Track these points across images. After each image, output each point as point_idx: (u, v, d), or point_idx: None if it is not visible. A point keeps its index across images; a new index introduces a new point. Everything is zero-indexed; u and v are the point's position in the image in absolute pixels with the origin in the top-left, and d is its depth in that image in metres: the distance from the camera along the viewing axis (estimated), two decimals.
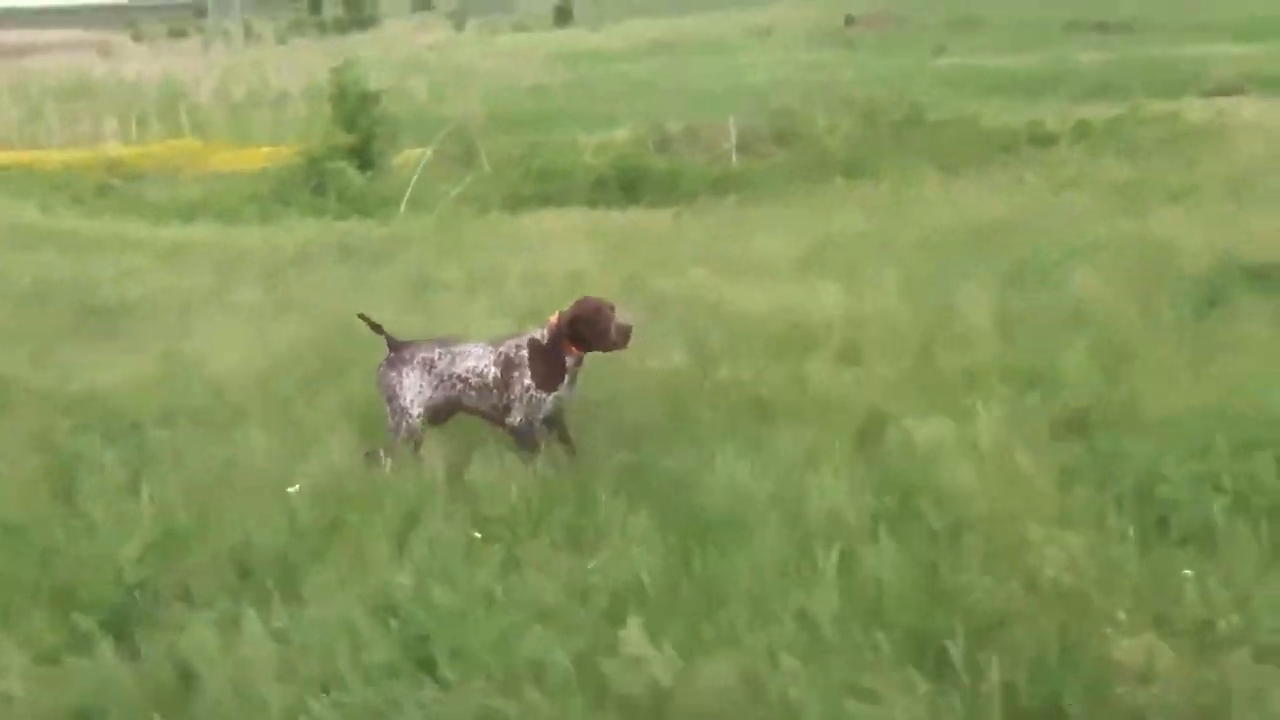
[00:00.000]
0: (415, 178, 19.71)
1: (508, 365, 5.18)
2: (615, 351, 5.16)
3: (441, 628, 3.46)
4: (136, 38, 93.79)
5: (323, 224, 15.79)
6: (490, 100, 41.47)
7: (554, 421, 5.27)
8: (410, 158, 26.86)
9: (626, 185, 20.50)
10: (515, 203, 19.16)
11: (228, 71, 53.79)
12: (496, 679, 3.20)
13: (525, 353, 5.17)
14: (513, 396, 5.14)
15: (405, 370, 5.28)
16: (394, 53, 64.69)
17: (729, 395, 5.63)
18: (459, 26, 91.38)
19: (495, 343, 5.32)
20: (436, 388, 5.26)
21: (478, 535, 4.26)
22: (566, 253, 10.12)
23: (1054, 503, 4.10)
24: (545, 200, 19.09)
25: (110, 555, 4.17)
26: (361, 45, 69.65)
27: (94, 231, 14.47)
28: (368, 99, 22.78)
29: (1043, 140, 18.34)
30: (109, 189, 19.96)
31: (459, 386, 5.24)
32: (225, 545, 4.23)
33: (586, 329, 5.05)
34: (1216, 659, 3.07)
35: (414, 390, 5.26)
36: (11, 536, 4.32)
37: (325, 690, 3.22)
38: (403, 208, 18.36)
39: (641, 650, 3.04)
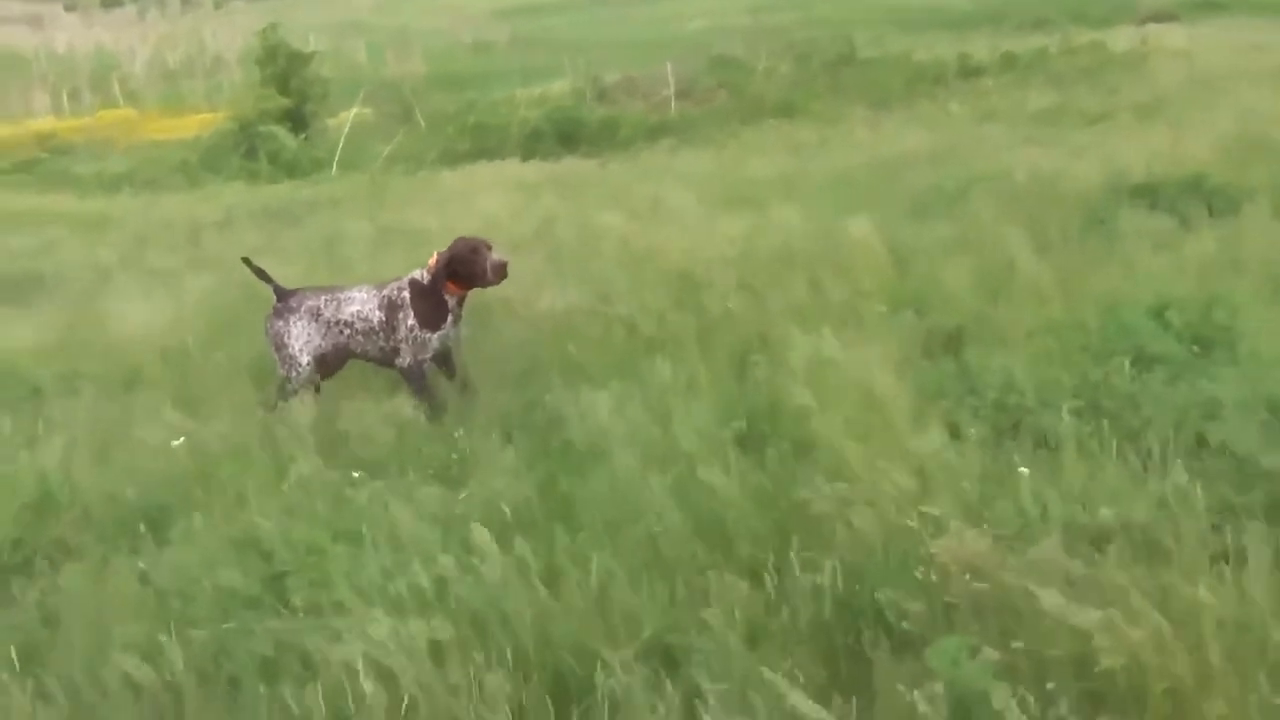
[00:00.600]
0: (343, 139, 19.56)
1: (391, 307, 5.28)
2: (493, 287, 5.28)
3: (301, 563, 3.56)
4: (69, 8, 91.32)
5: (251, 188, 15.69)
6: (431, 59, 41.01)
7: (445, 361, 5.39)
8: (347, 119, 26.58)
9: (563, 137, 20.46)
10: (451, 159, 19.12)
11: (162, 40, 52.74)
12: (350, 606, 3.30)
13: (407, 294, 5.27)
14: (399, 338, 5.26)
15: (292, 319, 5.38)
16: (334, 15, 63.63)
17: (619, 332, 5.74)
18: None
19: (379, 286, 5.40)
20: (325, 335, 5.35)
21: (356, 475, 4.35)
22: (484, 203, 10.16)
23: (905, 416, 4.24)
24: (480, 155, 19.04)
25: None
26: (300, 8, 68.50)
27: (15, 206, 14.27)
28: (297, 60, 22.48)
29: (971, 73, 18.44)
30: (35, 163, 19.63)
31: (346, 332, 5.34)
32: (101, 499, 4.30)
33: (463, 267, 5.17)
34: (1026, 550, 3.23)
35: (302, 339, 5.35)
36: None
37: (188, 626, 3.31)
38: (334, 169, 18.22)
39: (490, 551, 3.15)
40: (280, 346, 5.39)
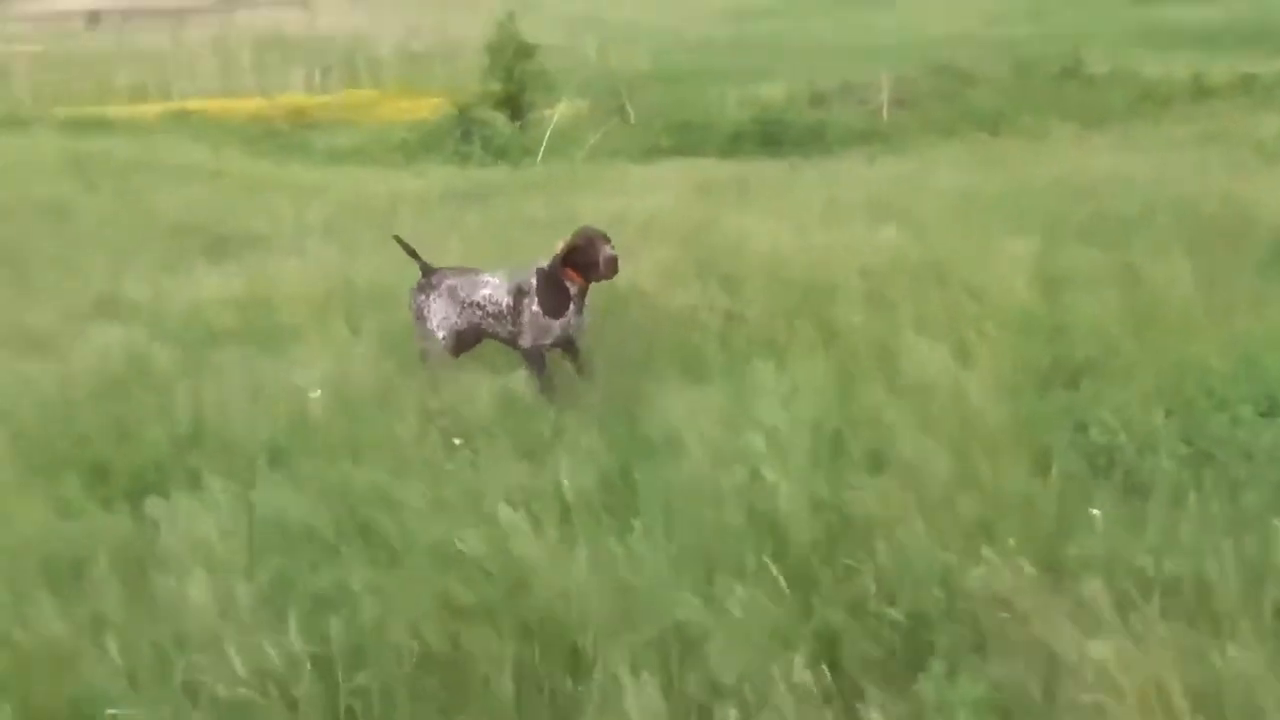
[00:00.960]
0: (550, 128, 20.26)
1: (518, 293, 5.54)
2: (604, 281, 5.44)
3: (382, 515, 3.86)
4: None
5: (459, 170, 16.52)
6: (654, 56, 41.75)
7: (570, 347, 5.57)
8: (567, 110, 27.49)
9: (766, 139, 20.48)
10: (652, 154, 19.47)
11: (411, 25, 55.83)
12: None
13: (534, 281, 5.50)
14: (523, 322, 5.50)
15: (433, 295, 5.73)
16: (573, 8, 65.76)
17: (739, 332, 5.81)
18: None
19: (510, 273, 5.66)
20: (460, 313, 5.67)
21: (457, 441, 4.63)
22: (658, 198, 10.38)
23: (997, 444, 4.14)
24: (681, 152, 19.30)
25: (144, 439, 4.78)
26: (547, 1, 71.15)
27: (249, 172, 15.62)
28: (523, 51, 23.44)
29: (1204, 94, 17.26)
30: (276, 134, 21.36)
31: (478, 313, 5.63)
32: (237, 436, 4.76)
33: (579, 257, 5.38)
34: (1071, 587, 3.14)
35: (439, 314, 5.69)
36: (64, 413, 4.97)
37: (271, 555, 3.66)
38: (540, 156, 18.91)
39: (514, 526, 3.33)
40: (420, 319, 5.76)
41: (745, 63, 38.61)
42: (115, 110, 27.99)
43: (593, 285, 5.48)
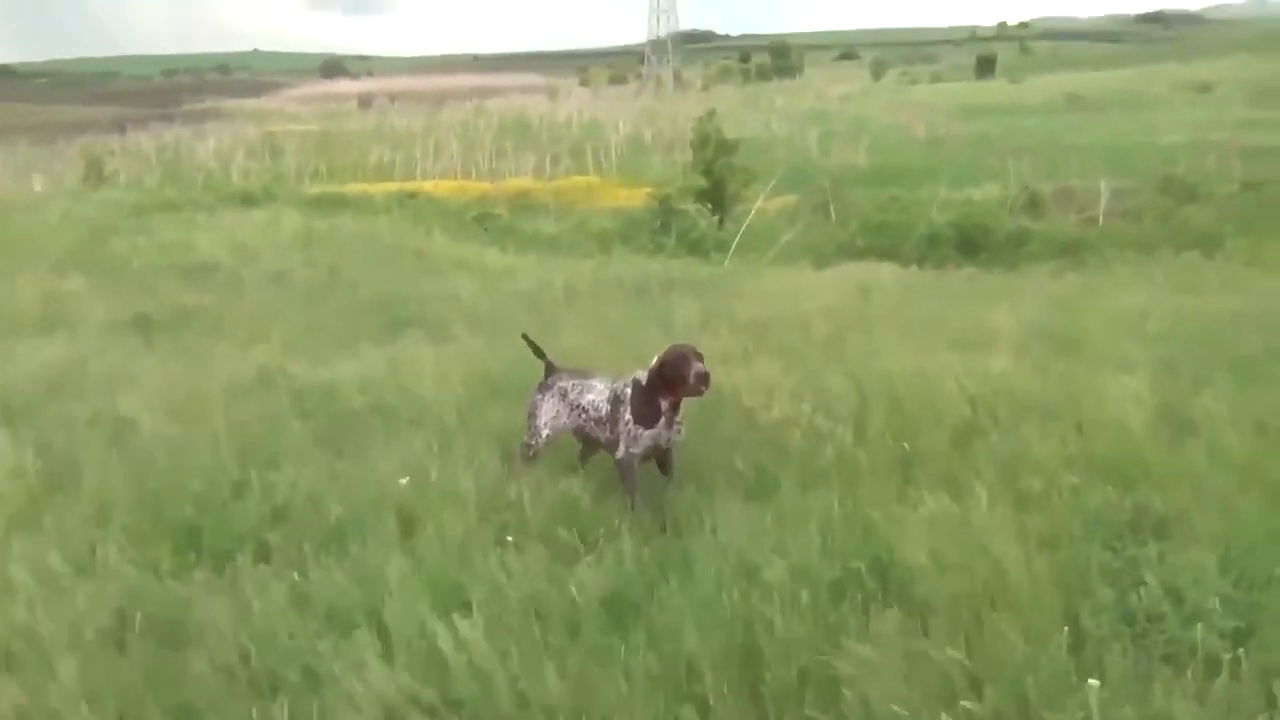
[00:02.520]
0: (745, 224, 20.56)
1: (616, 401, 5.68)
2: (696, 396, 5.47)
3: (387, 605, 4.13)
4: (583, 83, 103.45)
5: (647, 261, 17.03)
6: (877, 152, 41.78)
7: (663, 460, 5.64)
8: (775, 205, 27.89)
9: (964, 244, 19.97)
10: (846, 252, 19.41)
11: (644, 115, 58.23)
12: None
13: (629, 390, 5.66)
14: (619, 430, 5.63)
15: (547, 395, 5.96)
16: (803, 102, 66.83)
17: (822, 451, 5.80)
18: (877, 76, 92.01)
19: (614, 380, 5.87)
20: (569, 415, 5.89)
21: (510, 539, 4.88)
22: (810, 303, 10.44)
23: (1020, 598, 3.99)
24: (874, 254, 19.13)
25: (237, 510, 5.29)
26: (778, 93, 72.70)
27: (448, 253, 16.69)
28: (724, 147, 24.07)
29: None
30: (491, 217, 22.70)
31: (582, 416, 5.83)
32: (316, 517, 5.18)
33: (670, 371, 5.44)
34: None
35: (549, 414, 5.93)
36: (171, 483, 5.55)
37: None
38: (730, 252, 19.25)
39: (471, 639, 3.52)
40: (532, 416, 5.98)
41: (969, 160, 38.06)
42: (351, 189, 30.54)
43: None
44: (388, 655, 3.70)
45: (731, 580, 4.15)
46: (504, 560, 4.53)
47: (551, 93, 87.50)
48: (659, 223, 21.23)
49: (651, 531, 4.94)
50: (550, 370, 6.01)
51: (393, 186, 31.91)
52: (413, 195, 26.56)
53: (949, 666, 3.50)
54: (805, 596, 3.93)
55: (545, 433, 5.89)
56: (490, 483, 5.52)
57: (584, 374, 6.05)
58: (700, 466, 5.80)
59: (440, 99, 79.86)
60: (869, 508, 4.85)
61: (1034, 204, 25.96)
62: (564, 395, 5.87)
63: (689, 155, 29.48)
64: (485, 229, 21.44)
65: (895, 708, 3.26)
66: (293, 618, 4.05)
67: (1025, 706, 3.37)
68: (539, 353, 6.09)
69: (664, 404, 5.50)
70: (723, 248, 20.18)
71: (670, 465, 5.67)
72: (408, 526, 5.02)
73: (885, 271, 14.68)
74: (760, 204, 22.88)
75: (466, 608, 4.06)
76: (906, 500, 5.01)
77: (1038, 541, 4.38)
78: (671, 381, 5.45)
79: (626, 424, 5.55)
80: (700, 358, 5.50)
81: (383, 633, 3.88)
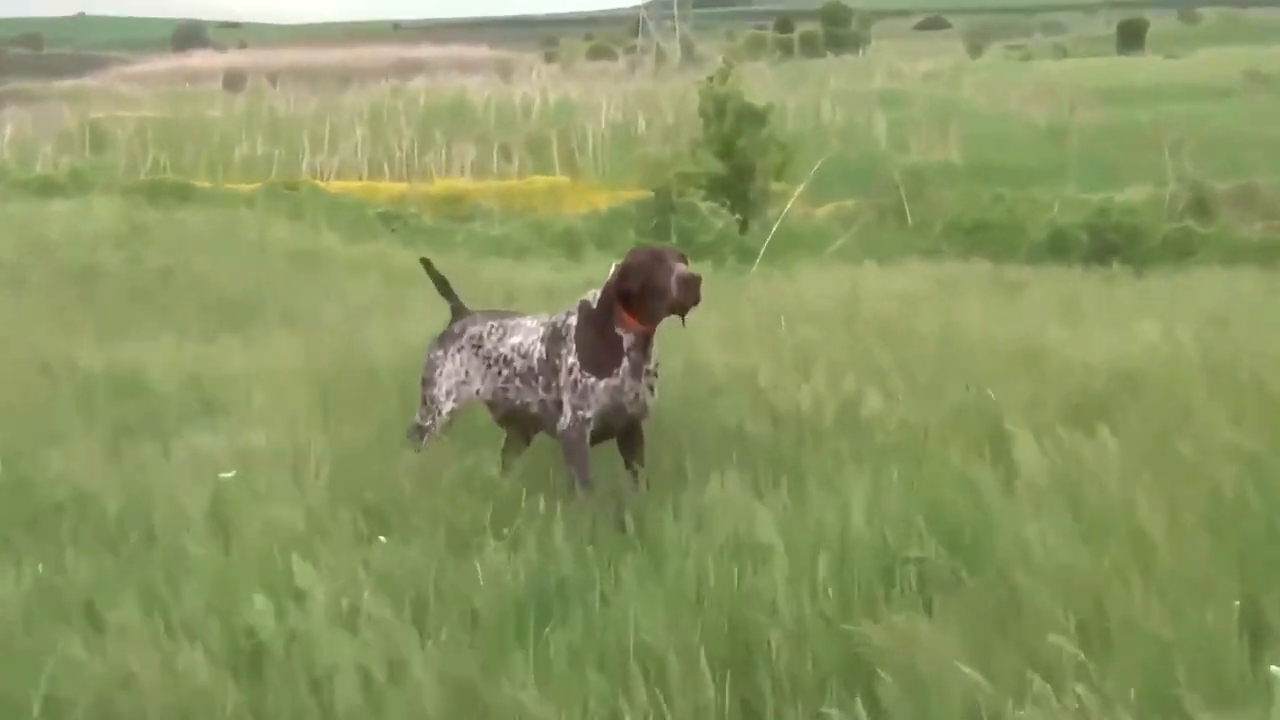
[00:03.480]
0: (776, 226, 20.58)
1: (554, 339, 5.30)
2: (680, 314, 5.16)
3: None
4: (550, 58, 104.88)
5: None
6: (975, 146, 42.25)
7: (628, 436, 5.33)
8: (825, 212, 28.12)
9: (1105, 247, 20.14)
10: (928, 256, 19.51)
11: (639, 99, 58.91)
12: None
13: (574, 320, 5.29)
14: (560, 385, 5.25)
15: (453, 348, 5.63)
16: (869, 82, 67.76)
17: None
18: (975, 50, 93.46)
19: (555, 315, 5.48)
20: (485, 376, 5.53)
21: (383, 539, 4.69)
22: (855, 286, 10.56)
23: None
24: (969, 257, 19.25)
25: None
26: (833, 72, 73.77)
27: (339, 253, 17.02)
28: (750, 117, 24.14)
29: None
30: (396, 218, 22.92)
31: (503, 374, 5.46)
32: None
33: (640, 281, 5.08)
34: None
35: (455, 376, 5.58)
36: None
37: None
38: (757, 262, 19.31)
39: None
40: (428, 382, 5.66)
41: (1110, 156, 38.50)
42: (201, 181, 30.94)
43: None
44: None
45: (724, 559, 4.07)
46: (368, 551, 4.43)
47: (505, 70, 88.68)
48: (654, 222, 21.25)
49: (602, 528, 4.75)
50: (459, 313, 5.74)
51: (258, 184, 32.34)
52: (292, 187, 26.78)
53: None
54: (823, 568, 3.87)
55: (448, 406, 5.61)
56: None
57: (510, 314, 5.79)
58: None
59: (343, 78, 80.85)
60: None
61: (1202, 206, 26.29)
62: (477, 347, 5.55)
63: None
64: (393, 230, 21.49)
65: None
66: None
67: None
68: (443, 287, 5.85)
69: (627, 338, 5.16)
70: (748, 256, 20.18)
71: (639, 446, 5.36)
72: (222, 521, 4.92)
73: (986, 269, 14.83)
74: (800, 193, 22.91)
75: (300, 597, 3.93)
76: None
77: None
78: (642, 298, 5.10)
79: (571, 373, 5.20)
80: (683, 258, 5.21)
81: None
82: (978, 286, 11.70)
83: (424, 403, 5.67)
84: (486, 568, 4.19)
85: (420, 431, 5.64)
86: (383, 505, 4.95)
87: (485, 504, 4.82)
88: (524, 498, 4.85)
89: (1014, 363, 6.88)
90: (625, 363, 5.16)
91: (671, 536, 4.42)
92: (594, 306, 5.22)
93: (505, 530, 4.58)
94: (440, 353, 5.64)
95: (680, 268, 5.06)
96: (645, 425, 5.35)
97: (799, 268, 15.12)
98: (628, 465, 5.36)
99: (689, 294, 5.02)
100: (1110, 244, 20.51)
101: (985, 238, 20.49)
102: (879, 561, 4.06)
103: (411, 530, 4.68)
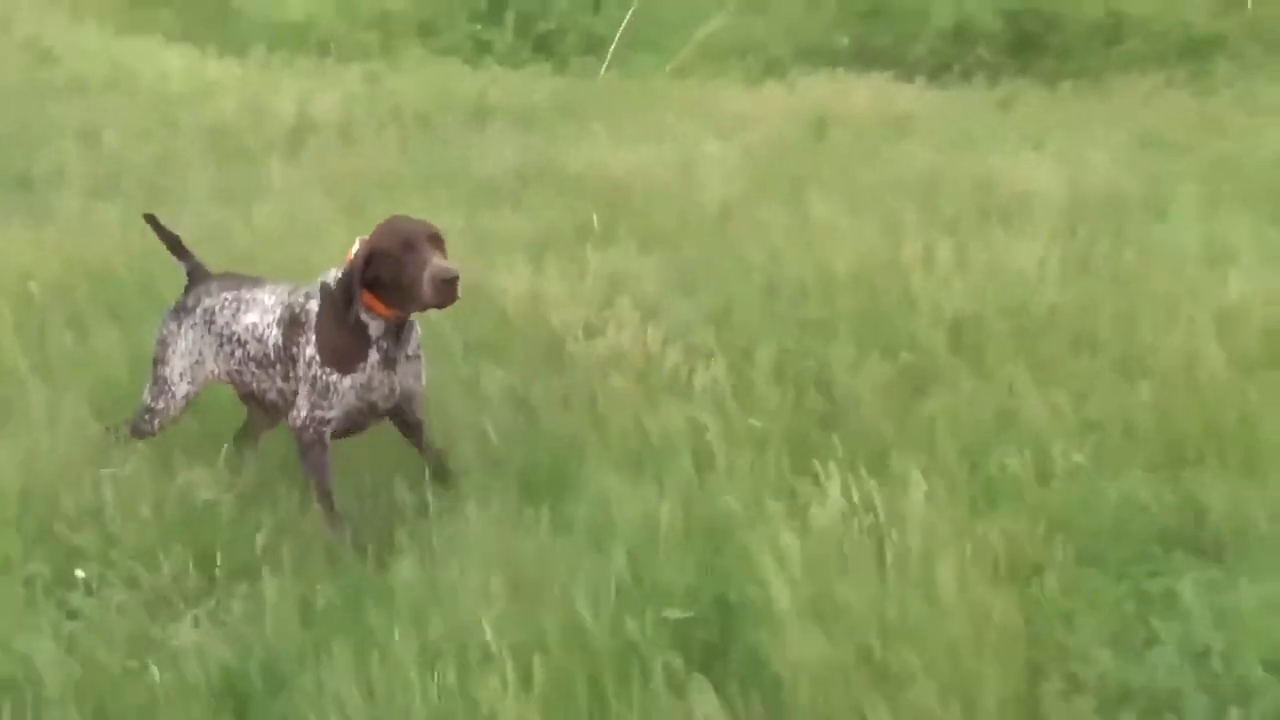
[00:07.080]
0: (627, 17, 20.28)
1: (292, 323, 5.31)
2: (435, 309, 5.19)
3: None
4: None
5: (460, 73, 17.00)
6: None
7: (406, 426, 5.42)
8: None
9: (1018, 43, 20.10)
10: (813, 58, 19.31)
11: None
12: None
13: (314, 305, 5.28)
14: (298, 377, 5.27)
15: (187, 322, 5.61)
16: None
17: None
18: None
19: (297, 288, 5.47)
20: (218, 354, 5.53)
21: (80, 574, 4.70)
22: (712, 148, 10.63)
23: None
24: (865, 60, 19.09)
25: None
26: None
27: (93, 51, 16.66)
28: None
29: None
30: None
31: (236, 355, 5.47)
32: None
33: (388, 270, 5.08)
34: None
35: (189, 356, 5.58)
36: None
37: None
38: (607, 58, 19.13)
39: None
40: (159, 361, 5.65)
41: None
42: None
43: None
44: None
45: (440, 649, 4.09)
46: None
47: None
48: (485, 3, 20.89)
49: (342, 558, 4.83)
50: (197, 278, 5.68)
51: None
52: None
53: None
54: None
55: (183, 389, 5.60)
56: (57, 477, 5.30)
57: (250, 282, 5.72)
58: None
59: None
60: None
61: None
62: (210, 323, 5.53)
63: None
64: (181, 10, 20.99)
65: None
66: None
67: None
68: (175, 246, 5.76)
69: (375, 325, 5.17)
70: (596, 48, 19.94)
71: (421, 430, 5.44)
72: None
73: (867, 90, 14.83)
74: None
75: None
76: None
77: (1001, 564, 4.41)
78: (390, 288, 5.11)
79: (311, 366, 5.20)
80: (440, 243, 5.17)
81: None
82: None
83: (154, 381, 5.66)
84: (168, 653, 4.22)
85: (150, 414, 5.65)
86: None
87: (188, 548, 4.76)
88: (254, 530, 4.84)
89: None
90: (374, 355, 5.16)
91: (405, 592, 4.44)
92: (333, 290, 5.22)
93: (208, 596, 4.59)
94: (173, 326, 5.63)
95: (436, 263, 5.02)
96: (420, 409, 5.43)
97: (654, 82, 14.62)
98: (416, 445, 5.49)
99: (444, 298, 5.03)
100: (1022, 36, 20.50)
101: (882, 32, 20.36)
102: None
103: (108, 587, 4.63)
